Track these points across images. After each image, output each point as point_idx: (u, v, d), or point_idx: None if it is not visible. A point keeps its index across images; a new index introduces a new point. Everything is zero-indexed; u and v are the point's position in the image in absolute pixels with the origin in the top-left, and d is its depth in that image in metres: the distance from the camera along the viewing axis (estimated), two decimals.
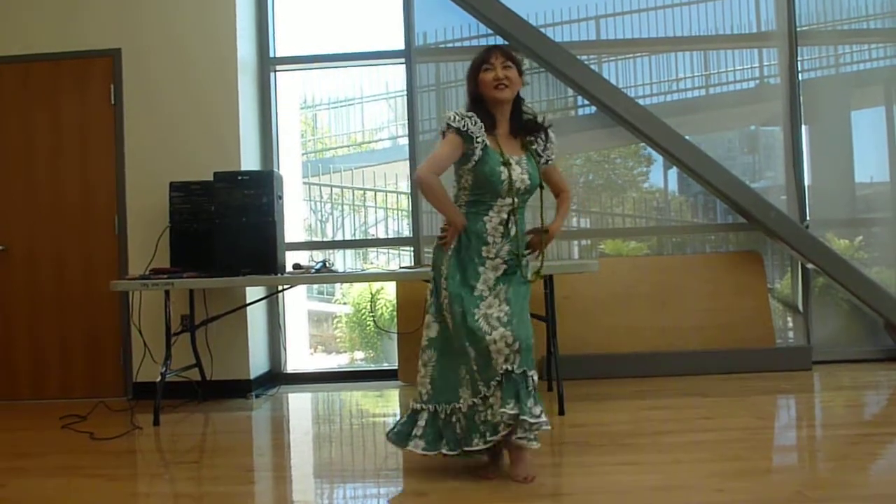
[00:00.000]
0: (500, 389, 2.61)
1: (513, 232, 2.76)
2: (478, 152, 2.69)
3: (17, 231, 4.79)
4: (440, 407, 2.76)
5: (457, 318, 2.68)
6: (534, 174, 2.78)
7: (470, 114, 2.73)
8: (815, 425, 3.75)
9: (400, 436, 2.83)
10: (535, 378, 2.68)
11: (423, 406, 2.79)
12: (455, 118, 2.72)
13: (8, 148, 4.82)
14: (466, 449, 2.71)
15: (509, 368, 2.61)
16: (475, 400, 2.67)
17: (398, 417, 3.48)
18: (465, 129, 2.69)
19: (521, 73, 2.80)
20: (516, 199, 2.73)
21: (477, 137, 2.70)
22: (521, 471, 2.67)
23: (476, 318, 2.65)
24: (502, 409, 2.58)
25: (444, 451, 2.73)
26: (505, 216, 2.73)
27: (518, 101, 2.84)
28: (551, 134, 2.89)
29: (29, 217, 4.79)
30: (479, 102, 2.78)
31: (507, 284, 2.74)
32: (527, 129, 2.85)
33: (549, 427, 2.70)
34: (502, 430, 2.61)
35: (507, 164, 2.71)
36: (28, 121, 4.82)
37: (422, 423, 2.77)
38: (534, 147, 2.84)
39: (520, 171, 2.73)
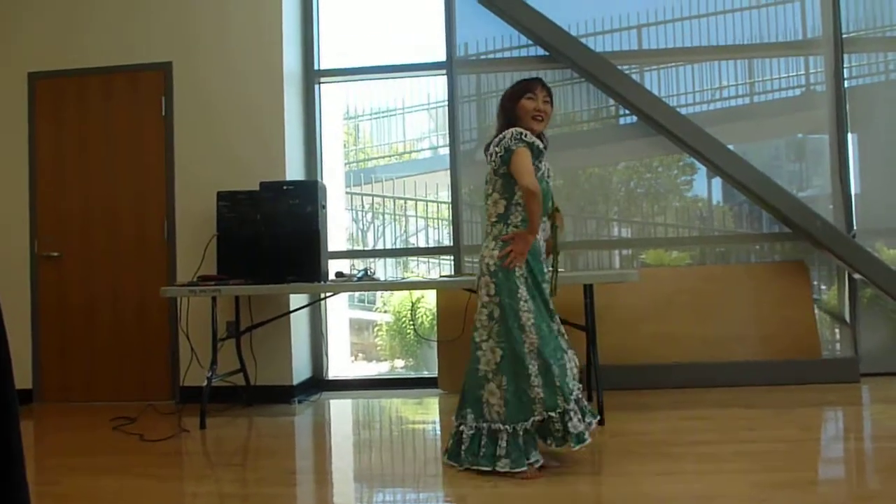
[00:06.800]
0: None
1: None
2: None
3: (71, 238, 4.97)
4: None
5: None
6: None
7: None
8: (863, 437, 3.66)
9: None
10: None
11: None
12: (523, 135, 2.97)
13: (64, 158, 5.01)
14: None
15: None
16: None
17: (440, 427, 3.46)
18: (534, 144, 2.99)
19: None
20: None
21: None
22: None
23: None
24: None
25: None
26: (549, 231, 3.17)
27: None
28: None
29: (83, 225, 4.97)
30: (513, 125, 2.98)
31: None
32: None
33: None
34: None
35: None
36: (83, 132, 5.00)
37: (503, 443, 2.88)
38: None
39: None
